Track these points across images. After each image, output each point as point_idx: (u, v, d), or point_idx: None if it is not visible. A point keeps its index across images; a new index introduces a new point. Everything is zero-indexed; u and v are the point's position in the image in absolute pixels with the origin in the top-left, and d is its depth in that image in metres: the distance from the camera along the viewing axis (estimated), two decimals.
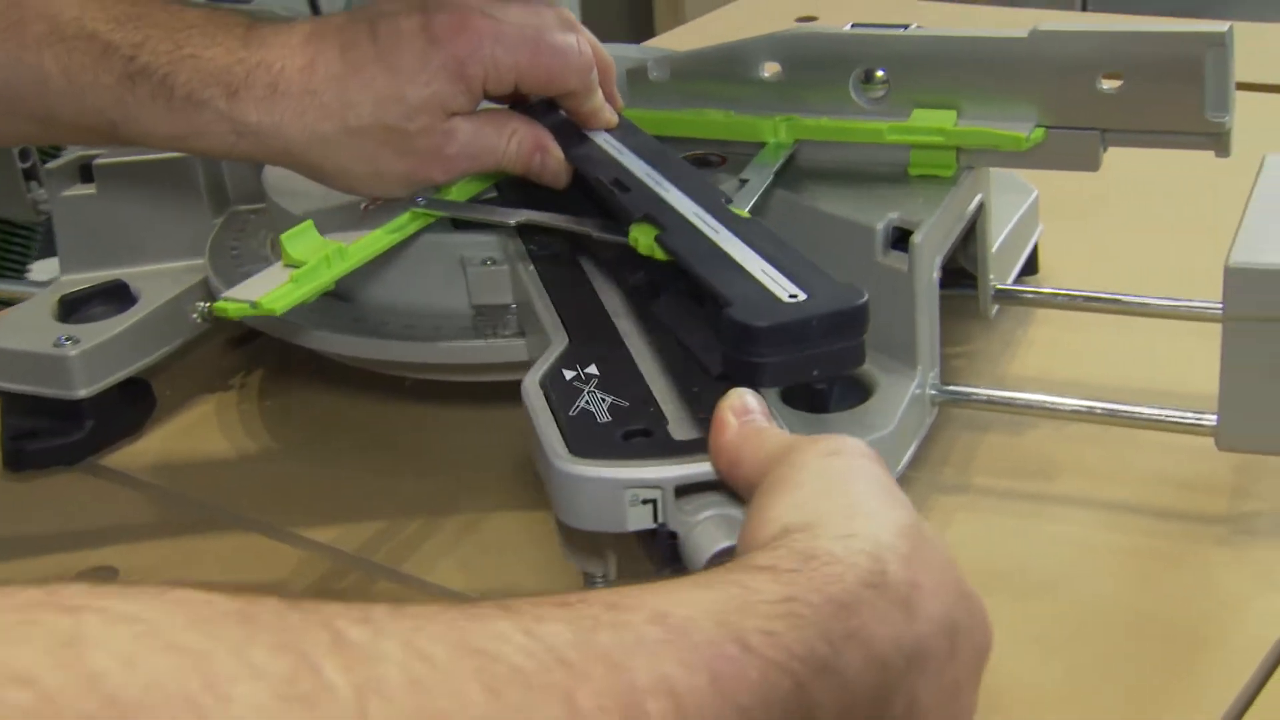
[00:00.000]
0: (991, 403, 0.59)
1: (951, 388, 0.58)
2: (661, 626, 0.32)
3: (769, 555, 0.36)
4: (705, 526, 0.44)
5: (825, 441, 0.41)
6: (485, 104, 0.60)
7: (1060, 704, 0.47)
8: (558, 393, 0.49)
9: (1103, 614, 0.52)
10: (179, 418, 0.70)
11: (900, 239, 0.56)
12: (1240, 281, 0.50)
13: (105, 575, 0.59)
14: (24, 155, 0.77)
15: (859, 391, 0.54)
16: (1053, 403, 0.58)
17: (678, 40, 1.17)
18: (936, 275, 0.56)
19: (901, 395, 0.54)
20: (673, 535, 0.45)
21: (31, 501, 0.65)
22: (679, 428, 0.47)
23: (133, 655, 0.25)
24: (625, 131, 0.63)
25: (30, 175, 0.77)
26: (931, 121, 0.60)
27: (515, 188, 0.63)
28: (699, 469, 0.44)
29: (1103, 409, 0.57)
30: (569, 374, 0.50)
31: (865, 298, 0.48)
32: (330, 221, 0.59)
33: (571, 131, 0.63)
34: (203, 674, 0.26)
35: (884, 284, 0.55)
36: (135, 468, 0.67)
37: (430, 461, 0.65)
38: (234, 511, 0.63)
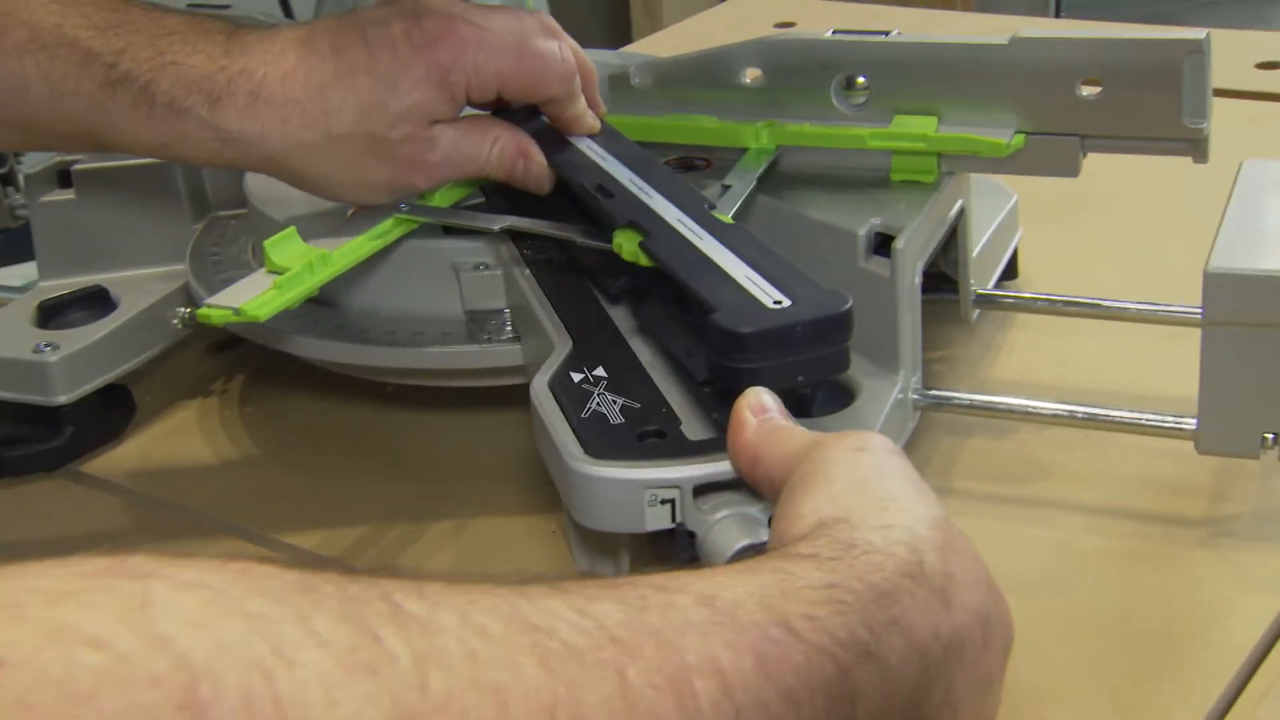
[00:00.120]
0: (973, 407, 0.59)
1: (933, 392, 0.59)
2: (708, 609, 0.33)
3: (809, 545, 0.37)
4: (724, 525, 0.45)
5: (851, 437, 0.42)
6: (467, 110, 0.60)
7: (1042, 706, 0.48)
8: (567, 395, 0.49)
9: (1084, 616, 0.52)
10: (160, 424, 0.70)
11: (882, 244, 0.57)
12: (1219, 286, 0.51)
13: None
14: (0, 161, 0.76)
15: (842, 396, 0.54)
16: (1033, 407, 0.58)
17: (655, 46, 1.17)
18: (918, 280, 0.57)
19: (884, 400, 0.54)
20: (691, 534, 0.45)
21: (11, 508, 0.65)
22: (692, 428, 0.48)
23: (200, 619, 0.26)
24: (608, 137, 0.64)
25: (7, 180, 0.77)
26: (913, 127, 0.60)
27: (502, 193, 0.63)
28: (717, 468, 0.45)
29: (1083, 413, 0.57)
30: (577, 376, 0.50)
31: (849, 304, 0.48)
32: (313, 228, 0.59)
33: (554, 138, 0.63)
34: (269, 639, 0.26)
35: (866, 289, 0.55)
36: (116, 474, 0.67)
37: (413, 466, 0.65)
38: (215, 517, 0.63)
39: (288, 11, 1.07)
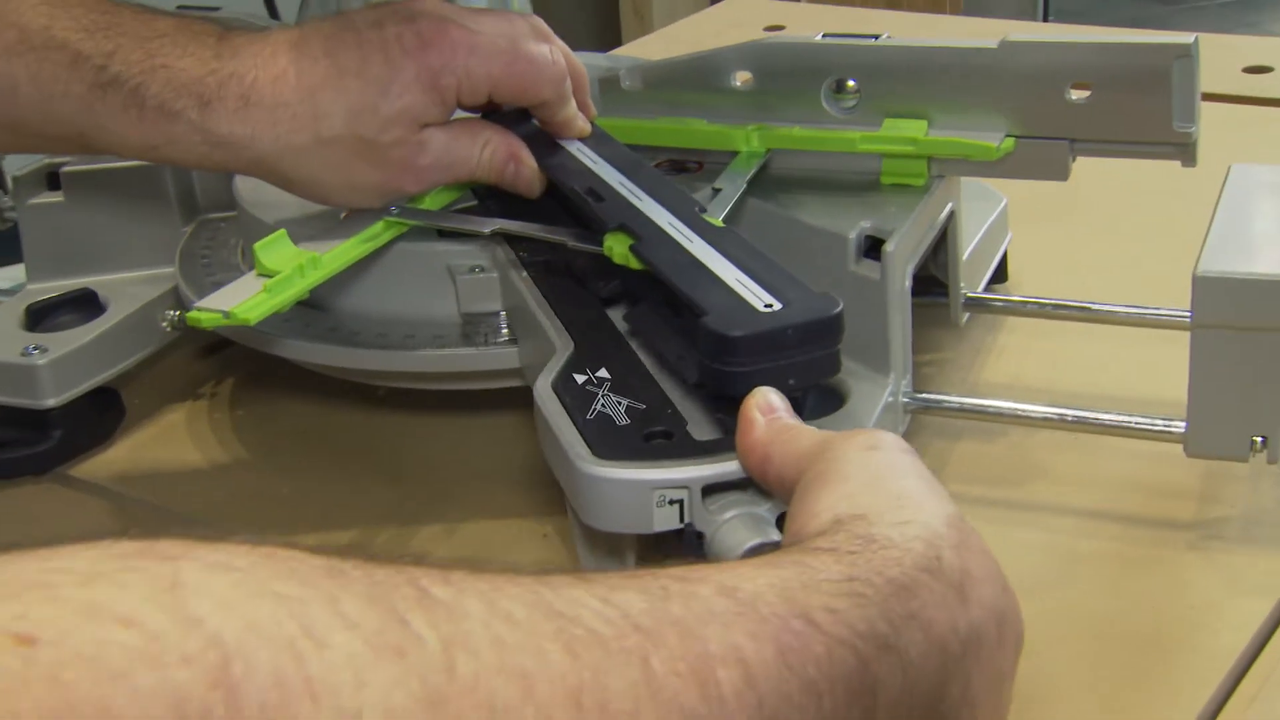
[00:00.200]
0: (963, 410, 0.59)
1: (923, 395, 0.59)
2: (730, 599, 0.33)
3: (828, 539, 0.37)
4: (732, 525, 0.45)
5: (863, 436, 0.42)
6: (458, 113, 0.60)
7: (1032, 708, 0.48)
8: (571, 396, 0.49)
9: (1073, 619, 0.52)
10: (149, 427, 0.70)
11: (872, 248, 0.57)
12: (1208, 290, 0.51)
13: None
14: None
15: (833, 399, 0.54)
16: (1023, 410, 0.58)
17: (645, 49, 1.17)
18: (908, 283, 0.57)
19: (875, 403, 0.54)
20: (699, 535, 0.45)
21: None
22: (698, 428, 0.48)
23: (230, 600, 0.26)
24: (598, 141, 0.64)
25: None
26: (903, 131, 0.61)
27: (495, 196, 0.63)
28: (726, 468, 0.45)
29: (1073, 416, 0.57)
30: (580, 378, 0.50)
31: (840, 307, 0.48)
32: (303, 230, 0.59)
33: (545, 141, 0.63)
34: (299, 620, 0.26)
35: (856, 292, 0.55)
36: (104, 477, 0.67)
37: (405, 470, 0.65)
38: (206, 521, 0.63)
39: (273, 12, 1.07)
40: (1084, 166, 0.60)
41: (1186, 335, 0.52)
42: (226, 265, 0.68)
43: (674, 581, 0.33)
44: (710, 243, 0.54)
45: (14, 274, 0.79)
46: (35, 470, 0.66)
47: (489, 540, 0.59)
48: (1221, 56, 1.01)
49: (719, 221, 0.57)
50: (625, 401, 0.49)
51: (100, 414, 0.68)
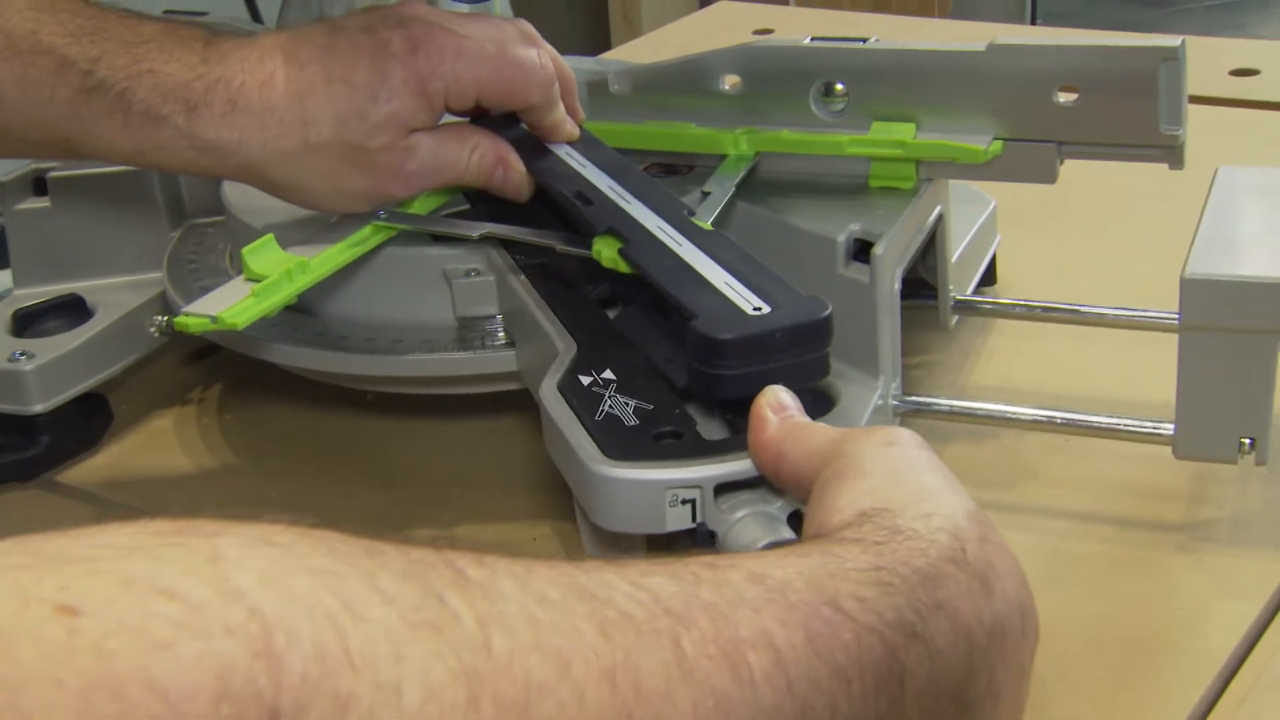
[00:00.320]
0: (952, 413, 0.59)
1: (913, 398, 0.59)
2: (760, 586, 0.33)
3: (854, 531, 0.37)
4: (745, 523, 0.45)
5: (880, 432, 0.42)
6: (447, 117, 0.60)
7: None
8: (578, 398, 0.49)
9: (1063, 622, 0.52)
10: (136, 433, 0.70)
11: (861, 251, 0.57)
12: (1196, 292, 0.51)
13: None
14: None
15: (823, 402, 0.54)
16: (1013, 412, 0.58)
17: (634, 53, 1.17)
18: (897, 286, 0.57)
19: (864, 406, 0.54)
20: (711, 534, 0.46)
21: None
22: (708, 428, 0.48)
23: (271, 574, 0.26)
24: (587, 144, 0.64)
25: None
26: (891, 134, 0.61)
27: (487, 200, 0.63)
28: (738, 467, 0.46)
29: (1062, 418, 0.57)
30: (585, 379, 0.50)
31: (829, 310, 0.48)
32: (291, 235, 0.59)
33: (533, 145, 0.63)
34: (338, 595, 0.27)
35: (845, 295, 0.55)
36: (92, 483, 0.66)
37: (394, 474, 0.65)
38: None
39: (256, 16, 1.07)
40: (1072, 169, 0.60)
41: (1175, 337, 0.52)
42: (214, 270, 0.68)
43: (704, 568, 0.34)
44: (699, 246, 0.54)
45: (0, 280, 0.79)
46: (22, 476, 0.66)
47: (479, 544, 0.59)
48: (1208, 59, 1.02)
49: (708, 225, 0.56)
50: (632, 402, 0.49)
51: (88, 420, 0.68)
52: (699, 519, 0.46)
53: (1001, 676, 0.38)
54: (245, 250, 0.56)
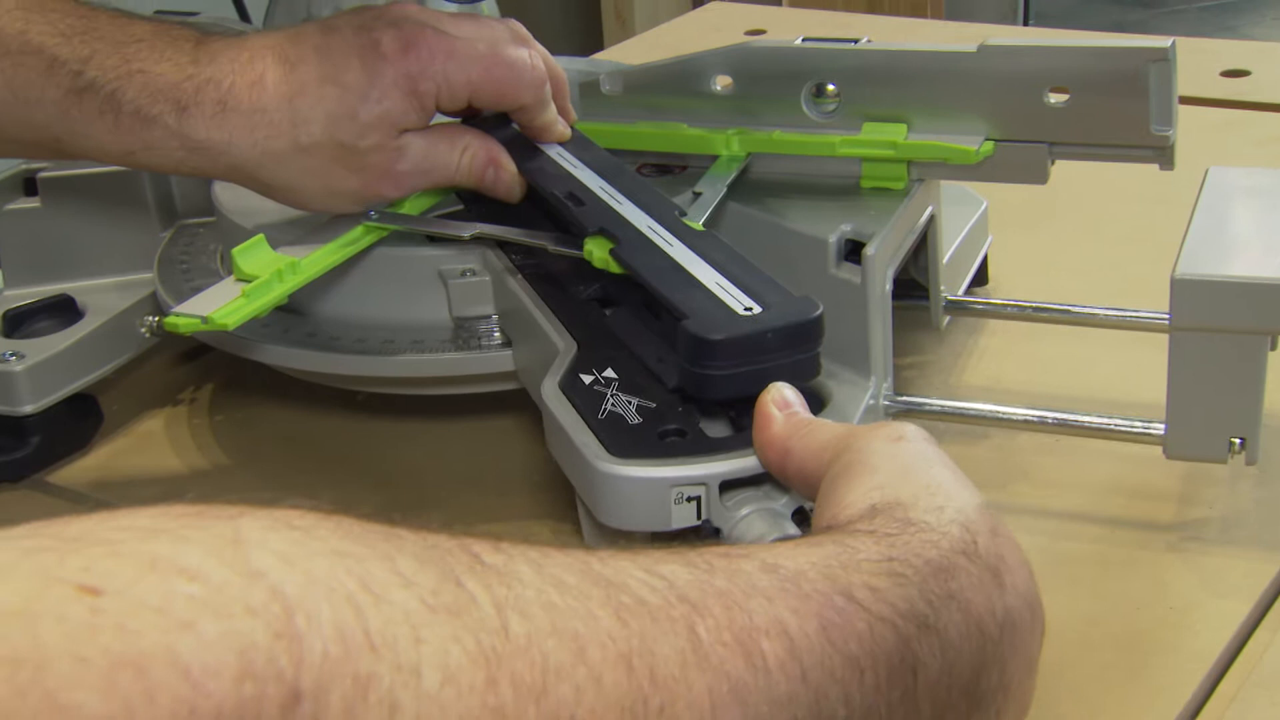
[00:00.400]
0: (944, 413, 0.59)
1: (904, 398, 0.59)
2: (773, 575, 0.34)
3: (866, 523, 0.38)
4: (750, 520, 0.45)
5: (888, 427, 0.42)
6: (438, 118, 0.60)
7: None
8: (580, 397, 0.49)
9: (1054, 621, 0.51)
10: (127, 433, 0.69)
11: (853, 251, 0.57)
12: (1186, 292, 0.51)
13: None
14: None
15: (814, 402, 0.54)
16: (1004, 412, 0.58)
17: (626, 53, 1.17)
18: (889, 287, 0.57)
19: (856, 406, 0.54)
20: (716, 531, 0.46)
21: None
22: (711, 426, 0.48)
23: (291, 556, 0.27)
24: (578, 145, 0.64)
25: None
26: (882, 135, 0.61)
27: (480, 201, 0.63)
28: (743, 464, 0.46)
29: (1053, 418, 0.57)
30: (587, 379, 0.50)
31: (820, 310, 0.48)
32: (282, 235, 0.59)
33: (525, 145, 0.63)
34: (358, 577, 0.27)
35: (837, 296, 0.55)
36: (82, 484, 0.66)
37: (387, 475, 0.65)
38: None
39: (244, 16, 1.07)
40: (1063, 170, 0.60)
41: (1166, 337, 0.53)
42: (205, 271, 0.68)
43: (717, 557, 0.34)
44: (690, 246, 0.54)
45: None
46: (12, 477, 0.66)
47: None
48: (1199, 60, 1.02)
49: (699, 225, 0.56)
50: (635, 401, 0.49)
51: (78, 420, 0.68)
52: (704, 516, 0.46)
53: (1012, 670, 0.38)
54: (236, 250, 0.56)
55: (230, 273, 0.56)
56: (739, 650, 0.31)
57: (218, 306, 0.54)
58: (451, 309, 0.60)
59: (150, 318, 0.69)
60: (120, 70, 0.55)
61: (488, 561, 0.30)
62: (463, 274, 0.60)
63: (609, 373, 0.51)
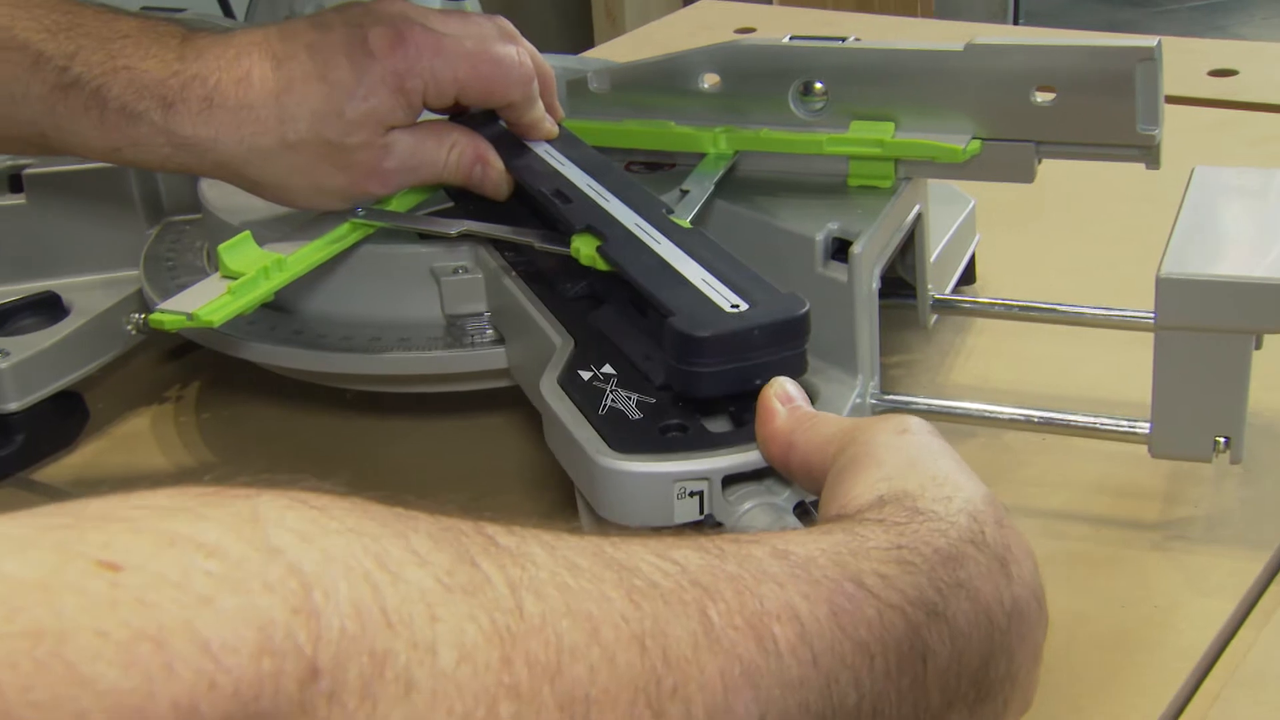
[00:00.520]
0: (930, 411, 0.59)
1: (891, 397, 0.59)
2: (784, 561, 0.34)
3: (875, 512, 0.38)
4: (752, 514, 0.45)
5: (892, 420, 0.42)
6: (425, 115, 0.60)
7: None
8: (579, 393, 0.49)
9: None
10: (113, 431, 0.69)
11: (840, 250, 0.57)
12: (1171, 291, 0.51)
13: None
14: None
15: None
16: (991, 411, 0.59)
17: (616, 51, 1.17)
18: (876, 285, 0.57)
19: (843, 404, 0.54)
20: (718, 525, 0.46)
21: None
22: (712, 421, 0.48)
23: (308, 533, 0.27)
24: (566, 143, 0.63)
25: None
26: (870, 133, 0.61)
27: (468, 198, 0.63)
28: (746, 458, 0.46)
29: (1039, 417, 0.57)
30: (585, 375, 0.50)
31: (807, 307, 0.48)
32: (268, 232, 0.59)
33: (512, 143, 0.62)
34: (375, 555, 0.27)
35: (824, 294, 0.55)
36: (68, 482, 0.66)
37: (373, 473, 0.65)
38: None
39: (228, 12, 1.06)
40: (1050, 169, 0.60)
41: (1152, 336, 0.53)
42: (191, 268, 0.67)
43: (728, 543, 0.34)
44: (677, 244, 0.54)
45: None
46: None
47: None
48: (1187, 60, 1.02)
49: (686, 223, 0.56)
50: (634, 396, 0.49)
51: (64, 418, 0.68)
52: (706, 511, 0.46)
53: (1019, 660, 0.38)
54: (221, 247, 0.56)
55: (216, 270, 0.56)
56: (750, 634, 0.31)
57: (203, 303, 0.54)
58: (443, 306, 0.60)
59: (136, 315, 0.69)
60: (106, 66, 0.55)
61: (502, 543, 0.30)
62: (455, 271, 0.60)
63: (608, 369, 0.51)
